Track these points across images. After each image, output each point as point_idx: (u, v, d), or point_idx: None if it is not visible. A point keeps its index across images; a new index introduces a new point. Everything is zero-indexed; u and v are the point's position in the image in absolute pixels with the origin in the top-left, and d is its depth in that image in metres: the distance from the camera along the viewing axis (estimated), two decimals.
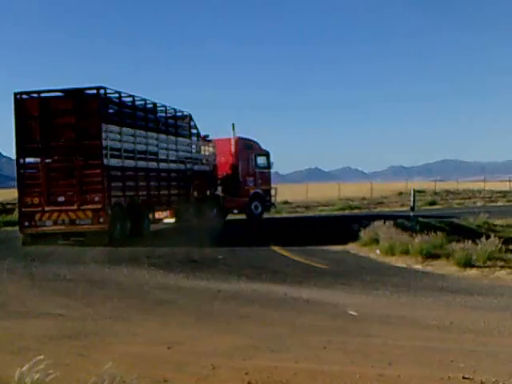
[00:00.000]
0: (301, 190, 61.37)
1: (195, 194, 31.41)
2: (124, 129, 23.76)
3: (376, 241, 18.78)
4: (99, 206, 22.17)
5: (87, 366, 7.03)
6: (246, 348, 8.17)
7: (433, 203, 51.92)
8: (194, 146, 31.17)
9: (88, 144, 22.24)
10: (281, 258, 17.92)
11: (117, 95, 23.71)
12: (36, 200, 22.85)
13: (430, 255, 16.87)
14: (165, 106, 28.00)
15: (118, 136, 23.35)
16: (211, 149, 33.75)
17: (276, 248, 19.73)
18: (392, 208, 41.07)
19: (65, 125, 22.50)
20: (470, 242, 17.36)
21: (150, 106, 26.65)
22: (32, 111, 22.83)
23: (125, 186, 23.87)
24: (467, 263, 15.83)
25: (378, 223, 20.45)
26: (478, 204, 54.65)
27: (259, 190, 35.66)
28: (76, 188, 22.34)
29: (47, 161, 22.82)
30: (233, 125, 35.43)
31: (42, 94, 22.89)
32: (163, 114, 28.15)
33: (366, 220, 22.63)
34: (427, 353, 8.08)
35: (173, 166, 28.19)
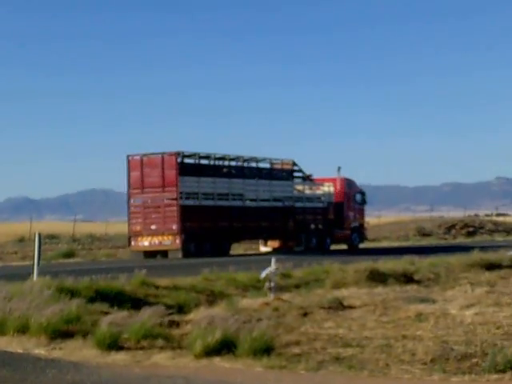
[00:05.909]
0: None
1: (312, 226, 38.39)
2: (202, 178, 34.18)
3: None
4: (175, 232, 32.47)
5: None
6: None
7: (70, 255, 36.10)
8: (296, 187, 38.66)
9: (169, 190, 32.89)
10: None
11: (195, 156, 34.83)
12: (138, 228, 33.41)
13: (61, 333, 11.75)
14: (255, 157, 37.14)
15: (196, 184, 33.84)
16: (326, 188, 40.17)
17: None
18: (9, 262, 33.50)
19: (156, 176, 33.08)
20: (125, 310, 12.85)
21: (235, 159, 36.48)
22: (136, 167, 33.54)
23: (201, 219, 33.44)
24: (114, 344, 11.10)
25: None
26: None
27: (357, 224, 42.10)
28: (161, 220, 32.94)
29: (145, 201, 33.63)
30: (339, 168, 41.96)
31: (146, 157, 33.75)
32: (253, 164, 36.94)
33: None
34: None
35: (263, 203, 36.55)
